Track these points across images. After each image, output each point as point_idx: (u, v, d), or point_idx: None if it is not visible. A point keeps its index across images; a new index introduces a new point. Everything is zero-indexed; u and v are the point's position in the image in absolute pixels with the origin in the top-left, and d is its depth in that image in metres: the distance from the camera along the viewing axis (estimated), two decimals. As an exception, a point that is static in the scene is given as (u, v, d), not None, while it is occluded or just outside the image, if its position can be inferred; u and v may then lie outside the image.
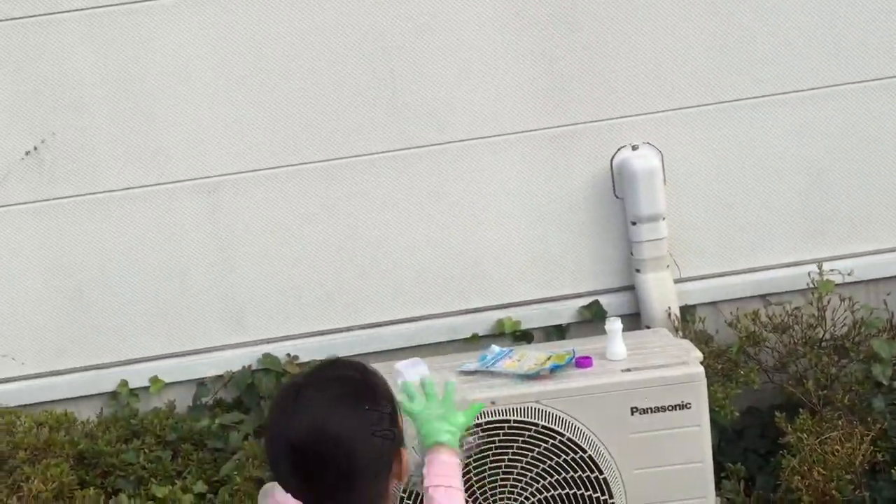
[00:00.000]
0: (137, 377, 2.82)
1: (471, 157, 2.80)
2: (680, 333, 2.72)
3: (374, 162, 2.79)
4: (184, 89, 2.73)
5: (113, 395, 2.81)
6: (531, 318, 2.86)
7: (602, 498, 2.26)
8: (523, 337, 2.85)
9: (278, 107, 2.76)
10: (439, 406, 1.72)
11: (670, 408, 2.25)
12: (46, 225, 2.77)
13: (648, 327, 2.77)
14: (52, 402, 2.78)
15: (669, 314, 2.76)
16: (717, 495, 2.40)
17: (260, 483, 2.25)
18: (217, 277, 2.83)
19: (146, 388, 2.82)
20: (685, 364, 2.29)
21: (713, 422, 2.53)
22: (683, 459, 2.28)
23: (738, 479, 2.51)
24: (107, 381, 2.82)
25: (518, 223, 2.85)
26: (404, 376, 2.39)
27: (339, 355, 2.81)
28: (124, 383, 2.80)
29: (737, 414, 2.55)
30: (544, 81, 2.77)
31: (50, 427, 2.42)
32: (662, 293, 2.78)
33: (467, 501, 2.22)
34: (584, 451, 2.23)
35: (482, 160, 2.80)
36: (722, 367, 2.64)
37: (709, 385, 2.49)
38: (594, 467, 2.24)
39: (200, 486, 2.38)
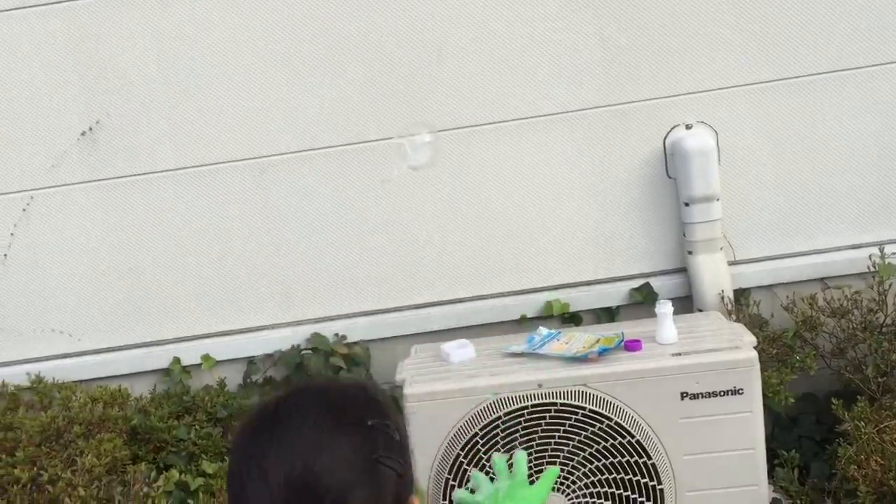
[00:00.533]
0: (189, 355, 2.86)
1: (521, 137, 2.76)
2: (733, 317, 2.65)
3: (422, 143, 2.77)
4: (233, 70, 2.74)
5: (166, 371, 2.86)
6: (580, 300, 2.82)
7: (650, 484, 2.23)
8: (572, 319, 2.82)
9: (328, 86, 2.75)
10: (506, 483, 1.40)
11: (722, 393, 2.20)
12: (101, 204, 2.82)
13: (701, 310, 2.71)
14: (107, 377, 2.84)
15: (722, 297, 2.70)
16: (769, 483, 2.35)
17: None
18: (267, 257, 2.84)
19: (198, 366, 2.86)
20: (738, 349, 2.24)
21: (767, 408, 2.47)
22: (735, 446, 2.23)
23: (791, 468, 2.44)
24: (160, 359, 2.87)
25: (568, 204, 2.80)
26: (451, 357, 2.40)
27: (388, 336, 2.83)
28: (177, 360, 2.85)
29: (791, 400, 2.49)
30: (597, 59, 2.71)
31: (104, 402, 2.47)
32: (715, 276, 2.72)
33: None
34: (633, 436, 2.20)
35: (533, 139, 2.76)
36: (777, 352, 2.57)
37: (763, 370, 2.43)
38: (642, 452, 2.21)
39: (249, 463, 2.40)
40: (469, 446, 2.22)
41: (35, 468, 2.15)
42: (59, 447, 2.28)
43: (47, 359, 2.87)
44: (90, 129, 2.77)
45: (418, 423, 2.25)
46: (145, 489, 2.15)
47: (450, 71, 2.73)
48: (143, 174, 2.80)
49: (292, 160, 2.79)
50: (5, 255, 2.83)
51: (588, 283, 2.84)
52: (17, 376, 2.77)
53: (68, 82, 2.75)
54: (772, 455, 2.48)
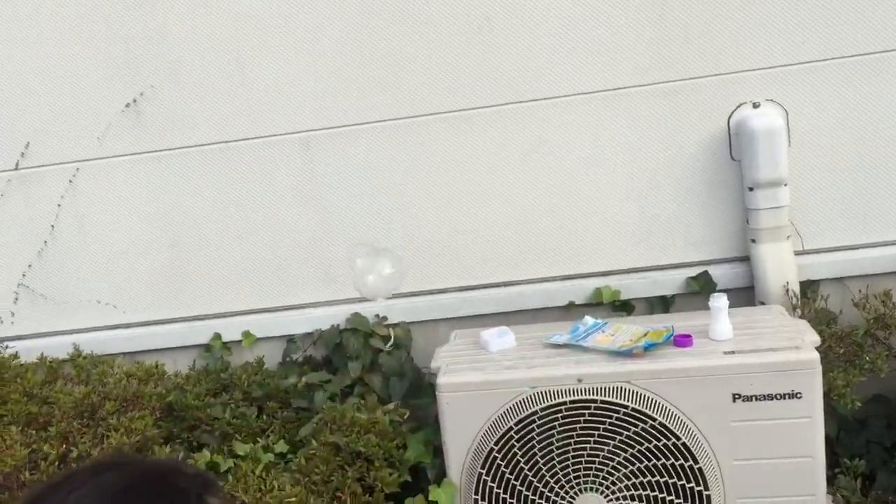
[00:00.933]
0: (230, 331, 2.83)
1: (573, 114, 2.61)
2: (798, 312, 2.47)
3: (470, 118, 2.64)
4: (279, 43, 2.66)
5: (207, 347, 2.84)
6: (633, 287, 2.66)
7: (697, 489, 2.09)
8: (623, 307, 2.67)
9: (373, 60, 2.64)
10: None
11: (778, 396, 2.04)
12: (144, 176, 2.79)
13: (763, 303, 2.53)
14: (150, 351, 2.83)
15: (787, 290, 2.51)
16: (829, 492, 2.18)
17: (337, 449, 2.20)
18: (309, 234, 2.78)
19: (239, 342, 2.82)
20: (798, 349, 2.07)
21: (832, 410, 2.30)
22: (791, 453, 2.07)
23: (854, 476, 2.26)
24: (201, 334, 2.84)
25: (623, 185, 2.64)
26: (490, 346, 2.29)
27: (430, 318, 2.74)
28: (217, 336, 2.82)
29: (858, 404, 2.29)
30: (654, 30, 2.53)
31: (139, 379, 2.45)
32: (780, 266, 2.53)
33: (547, 484, 2.10)
34: (678, 438, 2.06)
35: (586, 117, 2.61)
36: (845, 352, 2.38)
37: (829, 371, 2.27)
38: (689, 455, 2.07)
39: (282, 446, 2.35)
40: (503, 441, 2.12)
41: (66, 445, 2.14)
42: (94, 423, 2.26)
43: (91, 330, 2.88)
44: (134, 100, 2.73)
45: (451, 414, 2.16)
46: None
47: (498, 44, 2.59)
48: (186, 147, 2.75)
49: (337, 135, 2.71)
50: (52, 225, 2.83)
51: (641, 270, 2.68)
52: (62, 347, 2.78)
53: (113, 53, 2.71)
54: (834, 461, 2.31)
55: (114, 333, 2.87)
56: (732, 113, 2.54)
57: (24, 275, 2.87)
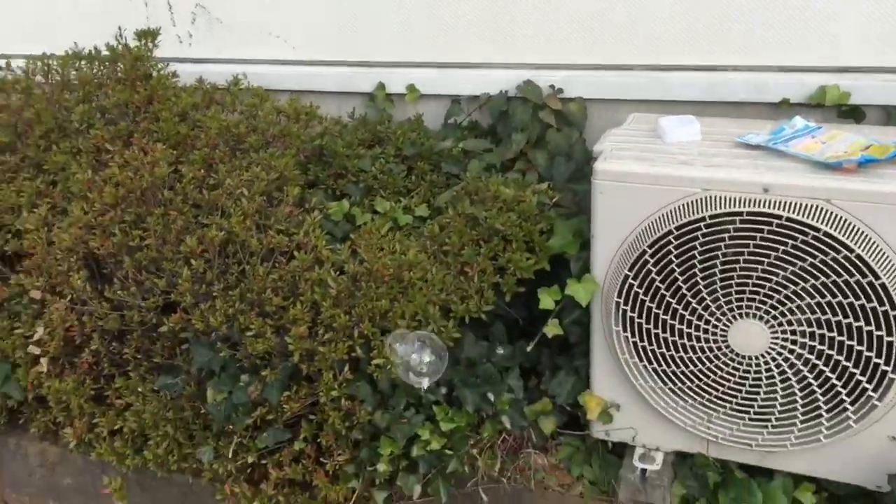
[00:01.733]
0: (395, 83, 2.63)
1: None
2: None
3: None
4: None
5: (370, 96, 2.67)
6: (868, 90, 2.15)
7: (888, 339, 1.71)
8: (851, 114, 2.18)
9: None
10: None
11: None
12: None
13: None
14: (314, 92, 2.71)
15: None
16: None
17: (475, 222, 2.00)
18: (491, -18, 2.45)
19: (403, 96, 2.63)
20: None
21: None
22: None
23: None
24: (367, 81, 2.66)
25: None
26: (667, 135, 1.94)
27: (613, 98, 2.39)
28: (381, 86, 2.63)
29: None
30: None
31: (288, 116, 2.33)
32: None
33: (703, 301, 1.81)
34: (878, 277, 1.67)
35: None
36: None
37: None
38: (886, 300, 1.68)
39: (423, 210, 2.19)
40: (659, 246, 1.82)
41: (206, 170, 2.09)
42: (241, 153, 2.19)
43: (260, 62, 2.80)
44: None
45: (605, 205, 1.87)
46: (306, 214, 2.01)
47: None
48: None
49: None
50: (227, -55, 2.68)
51: (885, 71, 2.15)
52: (230, 75, 2.71)
53: None
54: None
55: (281, 69, 2.77)
56: None
57: (201, -5, 2.79)
